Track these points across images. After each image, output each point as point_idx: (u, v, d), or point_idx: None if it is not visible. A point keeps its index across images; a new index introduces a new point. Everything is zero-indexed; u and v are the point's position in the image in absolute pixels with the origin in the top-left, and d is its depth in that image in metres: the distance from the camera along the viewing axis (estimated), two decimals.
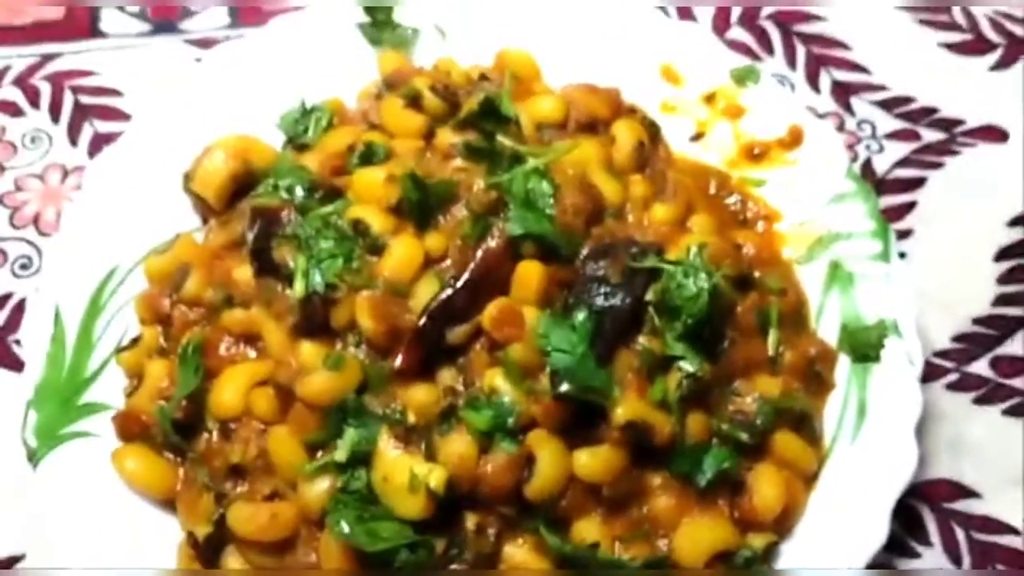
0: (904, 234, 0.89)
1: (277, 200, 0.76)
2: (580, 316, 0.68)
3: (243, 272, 0.75)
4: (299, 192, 0.76)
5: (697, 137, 0.88)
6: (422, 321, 0.69)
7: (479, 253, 0.71)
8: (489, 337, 0.68)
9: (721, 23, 0.96)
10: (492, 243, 0.71)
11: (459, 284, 0.70)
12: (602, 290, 0.69)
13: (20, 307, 0.82)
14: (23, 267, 0.83)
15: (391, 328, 0.70)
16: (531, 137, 0.81)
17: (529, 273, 0.70)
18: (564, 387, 0.66)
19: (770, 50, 0.96)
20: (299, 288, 0.71)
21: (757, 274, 0.77)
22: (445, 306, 0.69)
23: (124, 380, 0.75)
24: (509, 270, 0.70)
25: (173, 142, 0.83)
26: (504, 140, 0.77)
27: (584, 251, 0.72)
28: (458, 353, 0.70)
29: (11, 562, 0.74)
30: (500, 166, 0.75)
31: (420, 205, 0.73)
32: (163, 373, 0.74)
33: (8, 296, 0.82)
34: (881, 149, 0.92)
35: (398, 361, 0.69)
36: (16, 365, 0.79)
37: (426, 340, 0.69)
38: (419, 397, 0.69)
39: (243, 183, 0.80)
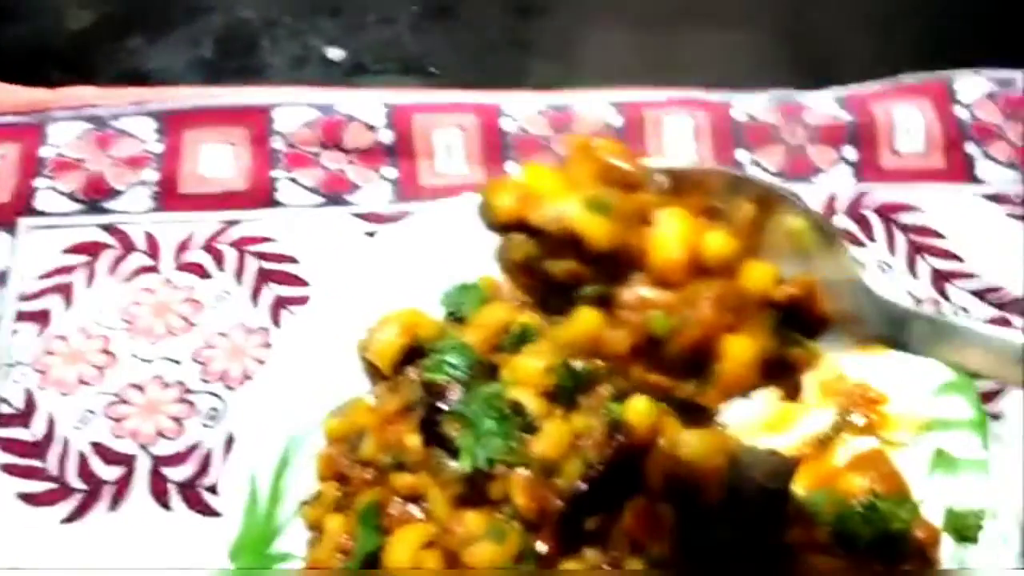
0: (995, 416, 0.96)
1: (444, 376, 0.87)
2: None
3: (412, 439, 0.86)
4: (463, 368, 0.87)
5: None
6: (562, 508, 0.79)
7: (611, 449, 0.80)
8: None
9: (827, 212, 1.06)
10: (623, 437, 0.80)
11: (595, 477, 0.79)
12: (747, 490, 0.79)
13: (208, 456, 0.92)
14: (211, 418, 0.94)
15: (540, 508, 0.79)
16: None
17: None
18: None
19: (871, 237, 1.05)
20: (466, 463, 0.82)
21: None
22: (584, 496, 0.79)
23: (307, 532, 0.86)
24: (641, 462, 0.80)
25: (348, 311, 0.94)
26: None
27: None
28: (601, 535, 0.80)
29: None
30: None
31: (570, 390, 0.84)
32: (341, 528, 0.84)
33: (197, 445, 0.93)
34: None
35: (544, 548, 0.79)
36: (207, 511, 0.90)
37: (566, 528, 0.79)
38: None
39: (411, 353, 0.92)
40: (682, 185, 0.61)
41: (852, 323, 0.61)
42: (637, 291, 0.59)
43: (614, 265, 0.59)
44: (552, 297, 0.62)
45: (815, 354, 0.62)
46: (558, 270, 0.59)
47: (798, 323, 0.61)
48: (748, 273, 0.60)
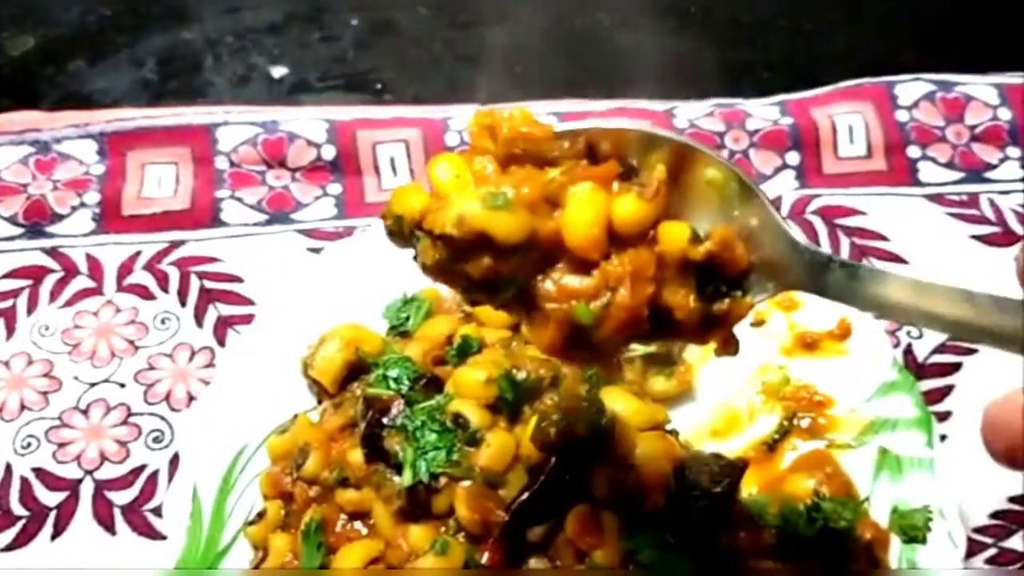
0: (943, 416, 0.97)
1: (386, 390, 0.86)
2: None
3: (356, 455, 0.85)
4: (405, 382, 0.87)
5: (757, 324, 0.98)
6: (505, 519, 0.78)
7: (552, 460, 0.80)
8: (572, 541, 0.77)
9: None
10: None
11: (536, 488, 0.79)
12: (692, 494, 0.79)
13: (154, 478, 0.91)
14: (156, 440, 0.93)
15: (484, 520, 0.79)
16: None
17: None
18: None
19: (816, 241, 1.06)
20: (407, 477, 0.81)
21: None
22: (525, 507, 0.78)
23: (251, 552, 0.85)
24: (586, 470, 0.79)
25: (291, 329, 0.94)
26: None
27: None
28: (545, 545, 0.79)
29: None
30: None
31: (512, 402, 0.84)
32: (286, 547, 0.84)
33: (142, 467, 0.92)
34: (920, 335, 1.01)
35: (484, 558, 0.78)
36: (151, 533, 0.89)
37: (509, 538, 0.78)
38: None
39: (354, 369, 0.91)
40: (596, 147, 0.60)
41: (774, 270, 0.60)
42: (557, 281, 0.58)
43: (530, 255, 0.58)
44: (476, 293, 0.61)
45: (744, 305, 0.61)
46: (475, 271, 0.58)
47: (721, 276, 0.60)
48: (664, 236, 0.59)
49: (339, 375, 0.90)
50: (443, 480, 0.81)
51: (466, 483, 0.80)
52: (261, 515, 0.86)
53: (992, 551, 0.92)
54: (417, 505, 0.81)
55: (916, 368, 0.99)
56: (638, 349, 0.91)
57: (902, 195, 1.10)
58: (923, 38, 1.21)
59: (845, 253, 1.06)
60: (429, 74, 1.18)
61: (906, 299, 0.55)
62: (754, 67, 1.23)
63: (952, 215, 1.08)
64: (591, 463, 0.79)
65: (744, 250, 0.60)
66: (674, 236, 0.59)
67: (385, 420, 0.84)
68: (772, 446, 0.92)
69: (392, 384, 0.87)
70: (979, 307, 0.52)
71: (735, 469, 0.82)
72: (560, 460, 0.79)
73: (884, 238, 1.07)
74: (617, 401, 0.81)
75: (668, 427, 0.85)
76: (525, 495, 0.78)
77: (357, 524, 0.84)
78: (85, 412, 0.94)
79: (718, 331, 0.61)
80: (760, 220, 0.60)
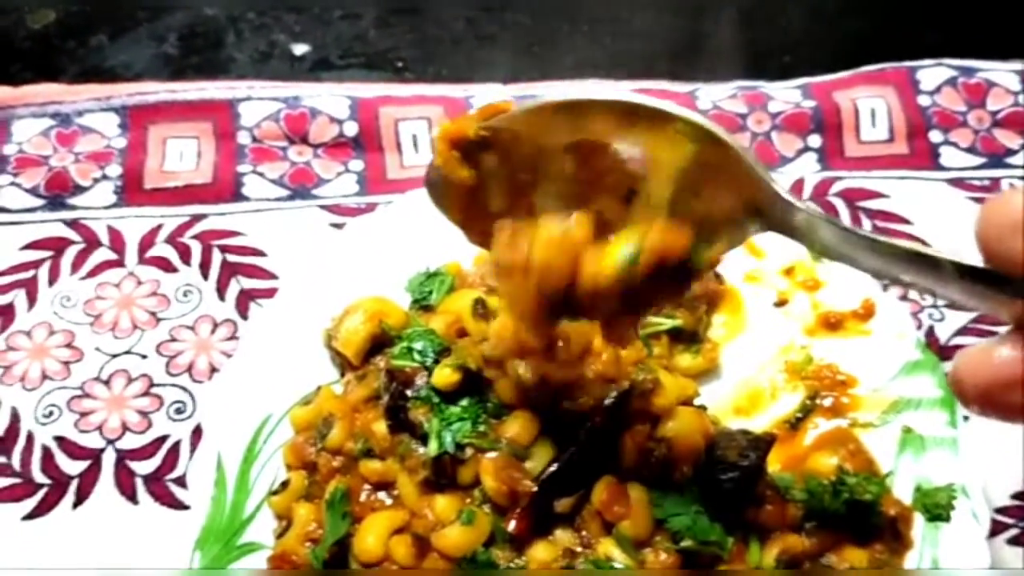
0: None
1: (410, 362, 0.86)
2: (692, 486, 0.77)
3: (380, 426, 0.85)
4: (430, 354, 0.87)
5: (780, 303, 0.98)
6: (533, 491, 0.78)
7: (582, 432, 0.79)
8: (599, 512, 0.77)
9: (795, 195, 1.06)
10: (596, 420, 0.80)
11: (564, 459, 0.79)
12: (720, 467, 0.78)
13: (175, 449, 0.91)
14: (178, 411, 0.93)
15: (511, 490, 0.79)
16: None
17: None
18: (685, 543, 0.75)
19: None
20: (433, 448, 0.81)
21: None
22: (553, 479, 0.78)
23: (275, 521, 0.85)
24: (615, 442, 0.80)
25: (314, 302, 0.94)
26: None
27: None
28: (572, 516, 0.79)
29: None
30: None
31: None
32: (310, 517, 0.83)
33: (164, 438, 0.91)
34: (943, 318, 1.01)
35: (511, 527, 0.78)
36: (174, 504, 0.88)
37: (536, 509, 0.78)
38: (539, 556, 0.78)
39: (378, 341, 0.91)
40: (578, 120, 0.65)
41: (754, 213, 0.65)
42: None
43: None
44: None
45: (715, 252, 0.67)
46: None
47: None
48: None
49: (363, 347, 0.90)
50: (469, 451, 0.81)
51: (492, 454, 0.80)
52: (285, 485, 0.86)
53: (1014, 531, 0.92)
54: (442, 475, 0.81)
55: (938, 350, 0.99)
56: (664, 324, 0.91)
57: (924, 179, 1.10)
58: (946, 21, 1.21)
59: None
60: (449, 53, 1.18)
61: (836, 243, 0.62)
62: (776, 49, 1.22)
63: (974, 199, 1.08)
64: (620, 434, 0.79)
65: (679, 236, 0.66)
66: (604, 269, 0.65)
67: (409, 392, 0.84)
68: (795, 424, 0.92)
69: (416, 356, 0.86)
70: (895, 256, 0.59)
71: (763, 443, 0.82)
72: (590, 431, 0.78)
73: (907, 221, 1.07)
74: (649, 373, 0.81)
75: (696, 402, 0.85)
76: (553, 467, 0.78)
77: (381, 494, 0.84)
78: (107, 383, 0.94)
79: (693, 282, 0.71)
80: (733, 166, 0.64)
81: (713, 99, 1.13)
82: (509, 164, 0.69)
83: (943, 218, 1.07)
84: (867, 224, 1.06)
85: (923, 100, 1.14)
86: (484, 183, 0.70)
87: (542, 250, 0.66)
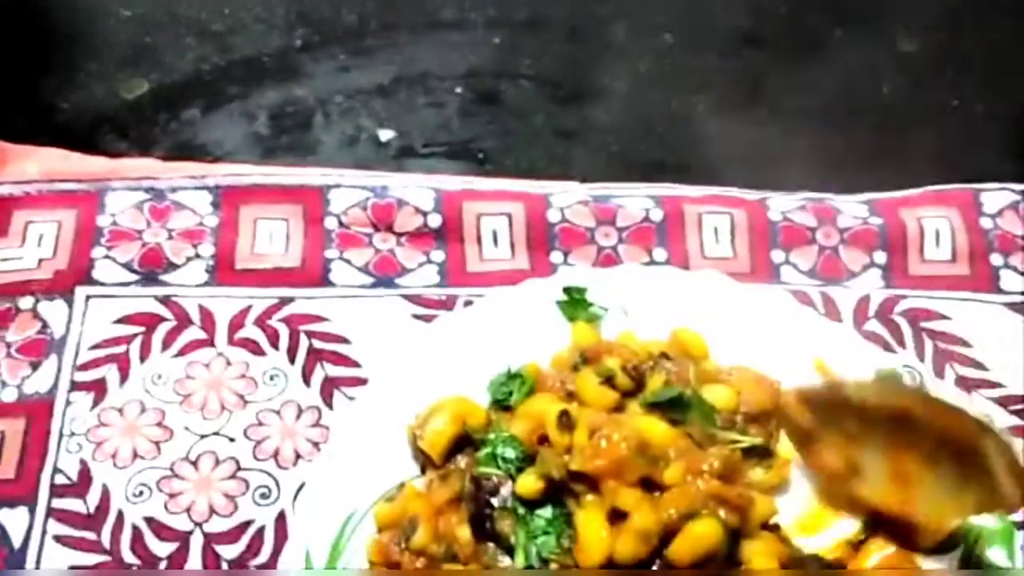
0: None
1: (496, 471, 0.90)
2: None
3: (464, 532, 0.88)
4: (515, 462, 0.90)
5: None
6: None
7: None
8: None
9: (861, 316, 1.10)
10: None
11: None
12: None
13: (260, 534, 0.94)
14: (263, 496, 0.96)
15: None
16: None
17: None
18: None
19: (902, 343, 1.09)
20: (520, 560, 0.85)
21: None
22: None
23: None
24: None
25: (401, 398, 0.97)
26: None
27: None
28: None
29: None
30: None
31: None
32: None
33: (249, 523, 0.95)
34: None
35: None
36: None
37: None
38: None
39: (459, 441, 0.95)
40: None
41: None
42: None
43: None
44: None
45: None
46: None
47: None
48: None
49: (447, 448, 0.94)
50: (552, 565, 0.84)
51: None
52: None
53: None
54: None
55: None
56: (744, 441, 0.94)
57: (984, 301, 1.14)
58: (1009, 145, 1.25)
59: (929, 357, 1.09)
60: (529, 146, 1.22)
61: None
62: (840, 159, 1.26)
63: None
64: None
65: None
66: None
67: (495, 501, 0.87)
68: (856, 546, 0.95)
69: (502, 464, 0.90)
70: None
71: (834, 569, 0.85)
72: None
73: (967, 344, 1.10)
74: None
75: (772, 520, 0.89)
76: None
77: None
78: (195, 464, 0.98)
79: None
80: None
81: (782, 209, 1.16)
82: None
83: (1002, 342, 1.11)
84: (929, 345, 1.10)
85: (985, 223, 1.17)
86: None
87: None
